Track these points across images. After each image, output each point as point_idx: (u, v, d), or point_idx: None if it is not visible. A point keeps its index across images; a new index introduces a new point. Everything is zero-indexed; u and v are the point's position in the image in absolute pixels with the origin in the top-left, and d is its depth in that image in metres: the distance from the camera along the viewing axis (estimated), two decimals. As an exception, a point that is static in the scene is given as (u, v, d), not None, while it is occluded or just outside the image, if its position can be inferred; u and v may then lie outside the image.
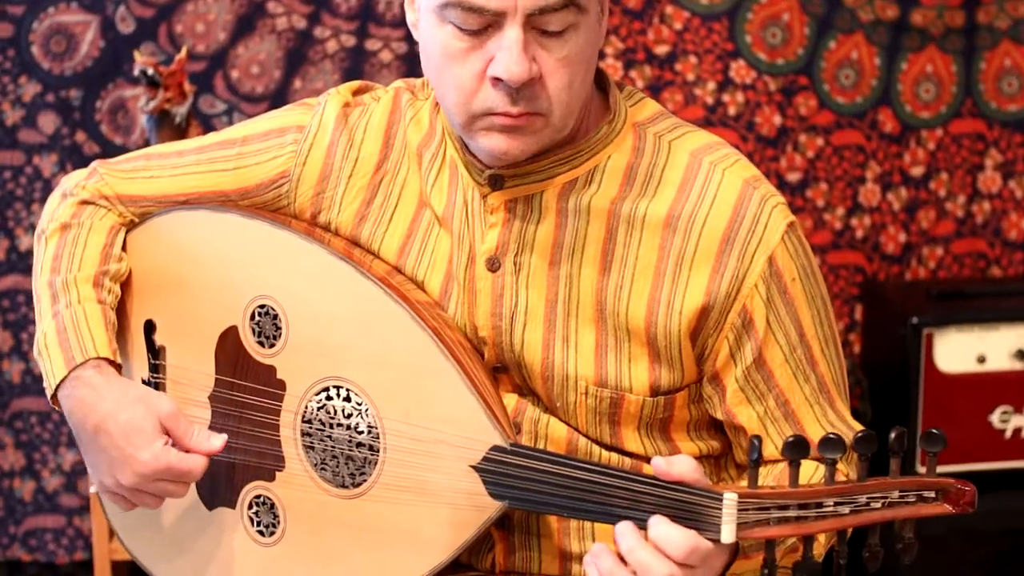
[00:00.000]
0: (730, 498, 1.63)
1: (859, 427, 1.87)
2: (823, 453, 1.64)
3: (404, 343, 1.84)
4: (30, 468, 3.34)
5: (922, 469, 3.00)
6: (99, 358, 1.87)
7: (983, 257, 3.35)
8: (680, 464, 1.66)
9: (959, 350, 3.00)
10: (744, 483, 1.68)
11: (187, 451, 1.85)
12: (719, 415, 1.87)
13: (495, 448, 1.79)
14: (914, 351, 2.96)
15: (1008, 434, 3.03)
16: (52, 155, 3.21)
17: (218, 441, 1.86)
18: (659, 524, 1.65)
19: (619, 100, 1.87)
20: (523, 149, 1.78)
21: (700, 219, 1.81)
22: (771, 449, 1.85)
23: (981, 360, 3.00)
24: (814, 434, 1.83)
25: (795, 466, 1.64)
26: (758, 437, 1.63)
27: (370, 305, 1.85)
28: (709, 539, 1.65)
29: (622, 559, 1.65)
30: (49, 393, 1.89)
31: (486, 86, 1.75)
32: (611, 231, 1.83)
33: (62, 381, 1.87)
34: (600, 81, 1.88)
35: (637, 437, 1.88)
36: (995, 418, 3.05)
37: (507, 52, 1.72)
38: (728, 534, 1.64)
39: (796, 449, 1.63)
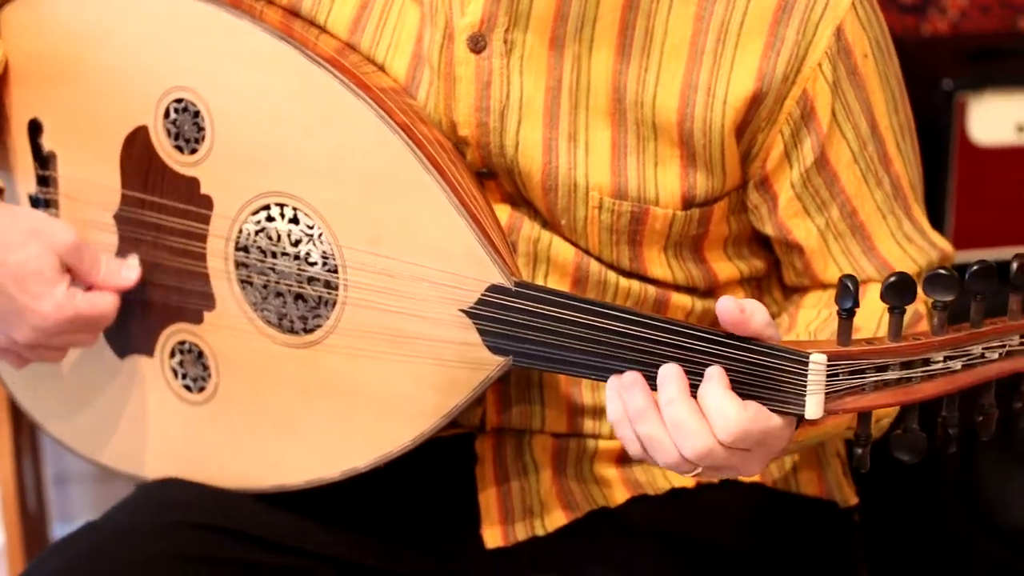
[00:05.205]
0: (818, 360, 1.24)
1: (942, 242, 1.56)
2: (930, 294, 1.27)
3: (366, 147, 1.44)
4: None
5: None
6: None
7: (1010, 5, 2.95)
8: (757, 315, 1.28)
9: (996, 118, 2.59)
10: (827, 337, 1.30)
11: (92, 288, 1.54)
12: (768, 229, 1.51)
13: (494, 288, 1.40)
14: (945, 120, 2.57)
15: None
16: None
17: (132, 272, 1.56)
18: (713, 385, 1.27)
19: None
20: None
21: None
22: (832, 271, 1.52)
23: (1021, 129, 2.60)
24: (887, 252, 1.52)
25: (898, 314, 1.26)
26: (852, 278, 1.24)
27: (318, 96, 1.46)
28: (790, 413, 1.26)
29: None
30: None
31: None
32: None
33: None
34: None
35: (663, 259, 1.51)
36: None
37: None
38: (814, 407, 1.25)
39: (899, 292, 1.25)
